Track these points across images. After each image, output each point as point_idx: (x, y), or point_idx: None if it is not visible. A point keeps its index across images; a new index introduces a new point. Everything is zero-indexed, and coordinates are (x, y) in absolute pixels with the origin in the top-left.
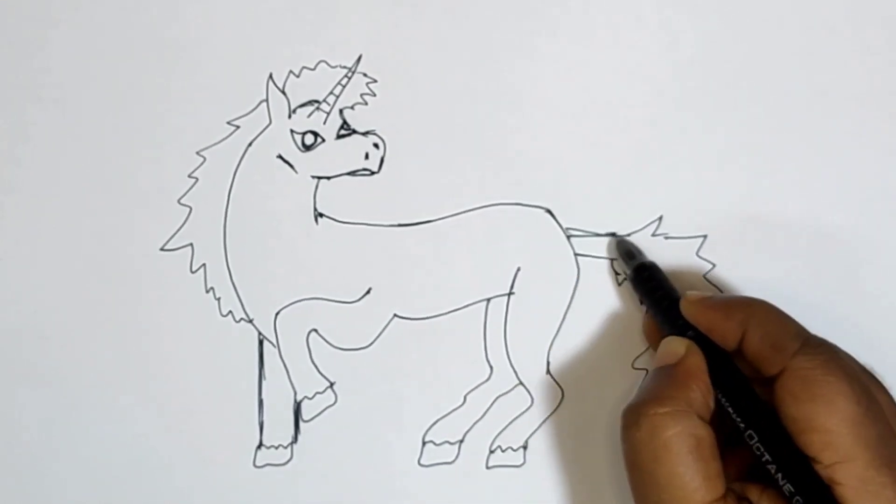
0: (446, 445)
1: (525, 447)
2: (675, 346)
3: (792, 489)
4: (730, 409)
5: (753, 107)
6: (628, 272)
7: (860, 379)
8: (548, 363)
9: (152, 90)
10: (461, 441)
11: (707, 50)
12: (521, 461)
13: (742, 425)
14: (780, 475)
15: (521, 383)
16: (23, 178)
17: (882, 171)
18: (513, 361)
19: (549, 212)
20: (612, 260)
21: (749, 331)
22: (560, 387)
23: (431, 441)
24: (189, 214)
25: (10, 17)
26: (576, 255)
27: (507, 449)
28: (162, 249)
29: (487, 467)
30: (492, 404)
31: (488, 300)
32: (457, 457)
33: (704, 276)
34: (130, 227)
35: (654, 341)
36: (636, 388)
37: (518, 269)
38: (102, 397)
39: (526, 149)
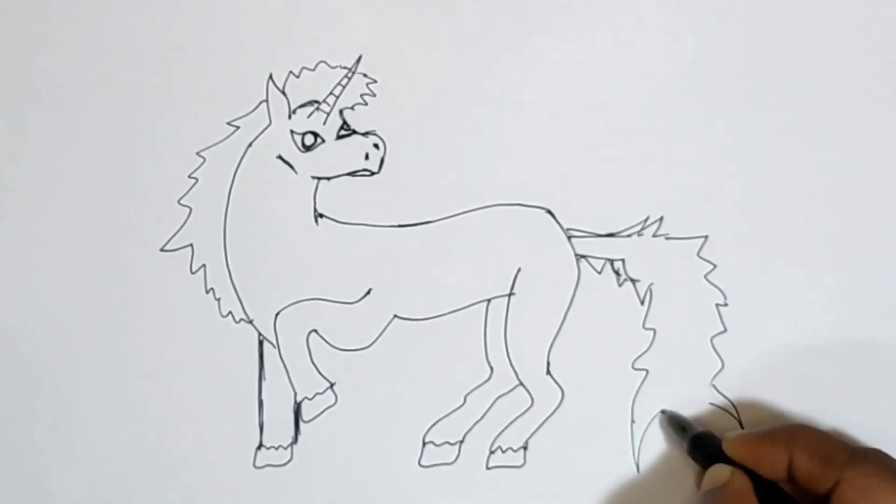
0: (446, 446)
1: (525, 448)
2: (721, 471)
3: None
4: None
5: (753, 107)
6: (685, 444)
7: None
8: (548, 363)
9: (152, 91)
10: (461, 442)
11: (707, 50)
12: (522, 462)
13: None
14: None
15: (521, 384)
16: (23, 178)
17: (882, 171)
18: (513, 362)
19: (549, 212)
20: (611, 260)
21: (796, 453)
22: (560, 387)
23: (431, 442)
24: (189, 215)
25: (10, 17)
26: (576, 255)
27: (507, 449)
28: (162, 250)
29: (487, 468)
30: (492, 405)
31: (489, 301)
32: (457, 457)
33: (705, 277)
34: (131, 227)
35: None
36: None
37: (518, 270)
38: (102, 397)
39: (526, 149)
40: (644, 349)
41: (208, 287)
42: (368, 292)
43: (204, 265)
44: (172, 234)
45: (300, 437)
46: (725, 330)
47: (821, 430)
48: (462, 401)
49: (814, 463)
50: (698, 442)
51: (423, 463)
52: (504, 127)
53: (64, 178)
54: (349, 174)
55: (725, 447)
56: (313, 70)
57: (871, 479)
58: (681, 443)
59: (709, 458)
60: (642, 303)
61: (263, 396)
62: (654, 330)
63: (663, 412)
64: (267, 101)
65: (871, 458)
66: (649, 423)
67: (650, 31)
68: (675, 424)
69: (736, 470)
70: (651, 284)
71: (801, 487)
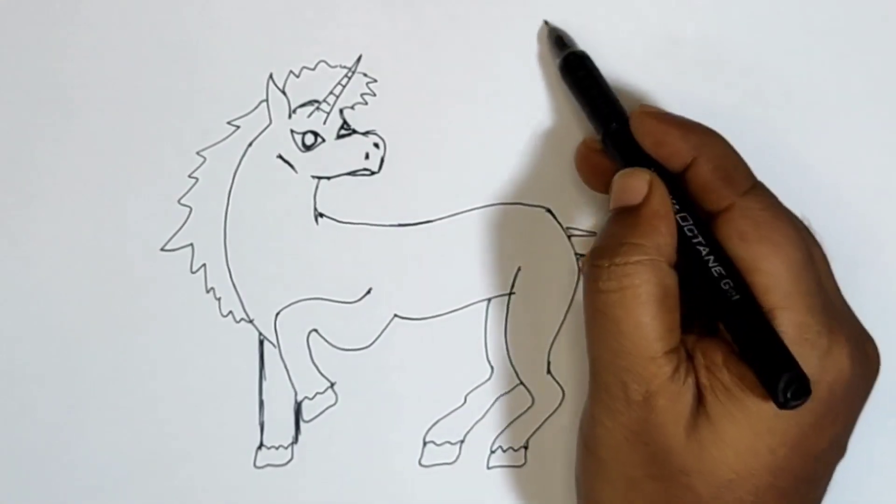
0: (447, 445)
1: (526, 447)
2: (637, 180)
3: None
4: (688, 232)
5: (753, 107)
6: (557, 62)
7: (802, 227)
8: (548, 363)
9: (152, 90)
10: (462, 441)
11: (707, 49)
12: (522, 461)
13: (703, 250)
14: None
15: (521, 383)
16: (23, 177)
17: (882, 171)
18: (513, 361)
19: (549, 212)
20: None
21: (701, 158)
22: (560, 387)
23: (432, 441)
24: (189, 214)
25: (10, 17)
26: (576, 255)
27: (507, 449)
28: (162, 249)
29: (488, 467)
30: (492, 404)
31: (489, 300)
32: (458, 457)
33: None
34: (131, 227)
35: (588, 168)
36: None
37: (518, 269)
38: (102, 397)
39: (526, 149)
40: None
41: (208, 287)
42: (369, 292)
43: (204, 265)
44: (172, 233)
45: (301, 437)
46: None
47: (732, 146)
48: (463, 400)
49: (715, 176)
50: (572, 62)
51: (423, 462)
52: (504, 127)
53: (63, 178)
54: (349, 174)
55: (634, 115)
56: (313, 70)
57: (765, 212)
58: (552, 62)
59: (595, 107)
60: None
61: (264, 396)
62: None
63: (546, 22)
64: (267, 100)
65: (770, 194)
66: None
67: (651, 31)
68: (555, 38)
69: (654, 178)
70: None
71: (691, 195)
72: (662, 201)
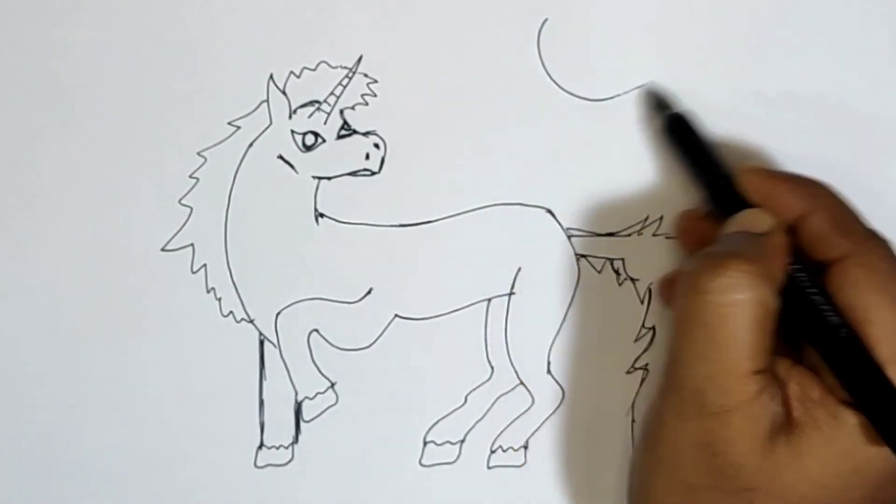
0: (447, 445)
1: (526, 447)
2: (762, 218)
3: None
4: (802, 282)
5: (753, 107)
6: (662, 124)
7: None
8: (548, 363)
9: (153, 91)
10: (462, 441)
11: (707, 49)
12: (523, 461)
13: (818, 299)
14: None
15: (521, 383)
16: (23, 177)
17: (882, 171)
18: (513, 361)
19: (549, 212)
20: (611, 260)
21: (814, 209)
22: (561, 386)
23: (432, 441)
24: (190, 215)
25: (11, 17)
26: (576, 255)
27: (508, 449)
28: (163, 250)
29: (488, 467)
30: (493, 404)
31: (489, 300)
32: (458, 457)
33: None
34: (131, 227)
35: (692, 238)
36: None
37: (518, 269)
38: (103, 397)
39: (526, 149)
40: (644, 349)
41: (209, 287)
42: (369, 292)
43: (205, 265)
44: (173, 234)
45: (301, 437)
46: None
47: (843, 197)
48: (463, 400)
49: (829, 226)
50: (679, 125)
51: (424, 462)
52: (504, 126)
53: (64, 178)
54: (350, 174)
55: (742, 171)
56: (314, 70)
57: (882, 262)
58: (653, 124)
59: (700, 167)
60: (642, 302)
61: (264, 396)
62: (654, 329)
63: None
64: (268, 101)
65: (885, 243)
66: None
67: (651, 30)
68: (654, 100)
69: (779, 222)
70: (651, 284)
71: (801, 247)
72: (782, 239)
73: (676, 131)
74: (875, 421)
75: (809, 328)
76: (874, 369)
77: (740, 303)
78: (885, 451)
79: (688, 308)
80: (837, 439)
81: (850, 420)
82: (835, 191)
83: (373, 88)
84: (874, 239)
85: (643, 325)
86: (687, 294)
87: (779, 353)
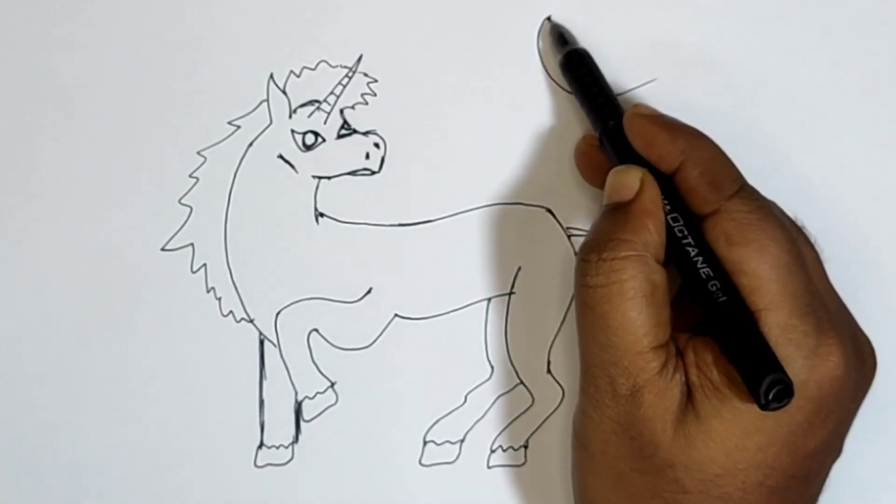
0: (447, 445)
1: (526, 446)
2: (630, 178)
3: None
4: (679, 233)
5: (753, 108)
6: (558, 58)
7: (791, 229)
8: (548, 362)
9: (153, 90)
10: (462, 440)
11: (708, 49)
12: (522, 460)
13: (691, 250)
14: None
15: (521, 383)
16: (23, 177)
17: (882, 171)
18: (513, 361)
19: (549, 212)
20: None
21: (689, 162)
22: (560, 386)
23: (432, 441)
24: (190, 214)
25: (11, 18)
26: (576, 254)
27: (507, 448)
28: (163, 249)
29: (488, 467)
30: (492, 404)
31: (489, 300)
32: (458, 456)
33: None
34: (131, 227)
35: (587, 164)
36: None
37: (518, 269)
38: (102, 397)
39: (526, 149)
40: None
41: (209, 286)
42: (369, 291)
43: (205, 264)
44: (173, 233)
45: (301, 437)
46: None
47: (720, 149)
48: (463, 400)
49: (702, 181)
50: (577, 62)
51: (423, 462)
52: (504, 126)
53: (64, 178)
54: (350, 173)
55: (628, 115)
56: (314, 69)
57: (751, 215)
58: (553, 59)
59: (593, 105)
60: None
61: (264, 396)
62: None
63: (548, 18)
64: (268, 100)
65: (756, 197)
66: None
67: (651, 30)
68: (556, 34)
69: (646, 175)
70: None
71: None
72: (652, 199)
73: (574, 68)
74: (744, 373)
75: (688, 279)
76: (743, 321)
77: (623, 285)
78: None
79: (580, 300)
80: (733, 399)
81: (740, 378)
82: (712, 143)
83: (373, 88)
84: (744, 192)
85: None
86: (576, 288)
87: (683, 328)
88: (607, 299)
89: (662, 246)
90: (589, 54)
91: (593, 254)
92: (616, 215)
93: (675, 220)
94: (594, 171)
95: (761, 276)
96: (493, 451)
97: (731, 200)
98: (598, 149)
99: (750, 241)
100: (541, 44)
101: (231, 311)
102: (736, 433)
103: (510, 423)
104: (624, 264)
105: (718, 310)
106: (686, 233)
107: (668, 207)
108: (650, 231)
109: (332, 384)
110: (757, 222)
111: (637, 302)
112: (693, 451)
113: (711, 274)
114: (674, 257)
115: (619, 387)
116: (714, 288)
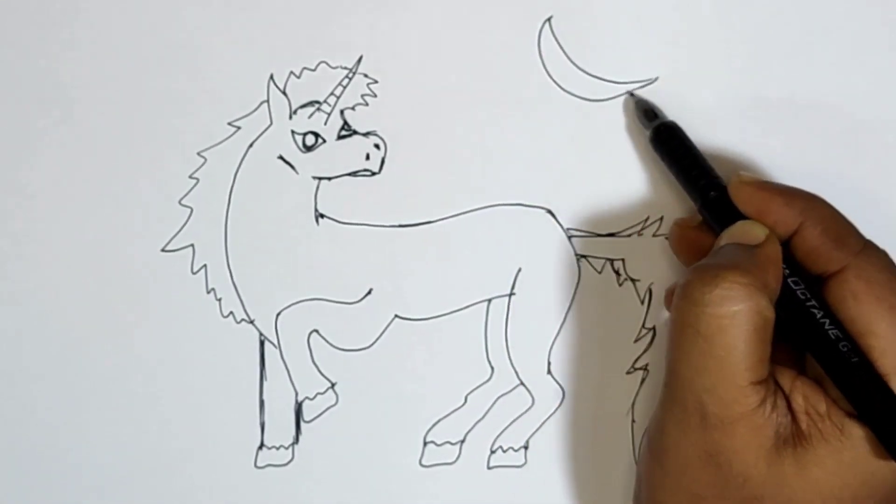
0: (447, 446)
1: (526, 447)
2: (756, 230)
3: (850, 384)
4: (801, 296)
5: (753, 108)
6: (648, 133)
7: None
8: (549, 363)
9: (153, 91)
10: (462, 441)
11: (708, 50)
12: (523, 461)
13: (818, 312)
14: (841, 367)
15: (522, 383)
16: (24, 178)
17: (882, 172)
18: (514, 362)
19: (549, 212)
20: (611, 260)
21: (809, 222)
22: (561, 387)
23: (433, 441)
24: (190, 215)
25: (12, 18)
26: (576, 255)
27: (508, 449)
28: (163, 250)
29: (489, 467)
30: (493, 404)
31: (489, 301)
32: (458, 457)
33: None
34: (131, 228)
35: (685, 247)
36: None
37: (519, 270)
38: (103, 397)
39: (526, 149)
40: (644, 349)
41: (209, 287)
42: (369, 292)
43: (205, 265)
44: (173, 234)
45: (301, 437)
46: None
47: (837, 210)
48: (463, 400)
49: (825, 239)
50: (667, 135)
51: (424, 463)
52: (504, 127)
53: (64, 179)
54: (350, 174)
55: (733, 185)
56: (314, 70)
57: (881, 273)
58: (642, 134)
59: (690, 178)
60: (642, 303)
61: (264, 396)
62: (654, 329)
63: (631, 94)
64: (268, 101)
65: (883, 254)
66: None
67: (651, 30)
68: (643, 109)
69: (771, 233)
70: (651, 284)
71: (798, 260)
72: (776, 252)
73: (665, 142)
74: (880, 434)
75: (811, 341)
76: (878, 382)
77: (736, 314)
78: (892, 464)
79: (684, 320)
80: (844, 452)
81: (856, 432)
82: (828, 203)
83: (373, 88)
84: (871, 249)
85: (643, 326)
86: (683, 306)
87: (780, 362)
88: (717, 324)
89: (775, 296)
90: (678, 126)
91: (713, 275)
92: (740, 250)
93: (795, 283)
94: (693, 252)
95: (891, 337)
96: (493, 452)
97: (858, 258)
98: (694, 230)
99: (881, 299)
100: (626, 119)
101: (231, 312)
102: (836, 483)
103: (510, 424)
104: (743, 294)
105: (851, 370)
106: (808, 295)
107: (787, 272)
108: (770, 275)
109: (333, 385)
110: (887, 282)
111: (747, 334)
112: (786, 490)
113: (840, 335)
114: (792, 321)
115: (710, 415)
116: (845, 349)
